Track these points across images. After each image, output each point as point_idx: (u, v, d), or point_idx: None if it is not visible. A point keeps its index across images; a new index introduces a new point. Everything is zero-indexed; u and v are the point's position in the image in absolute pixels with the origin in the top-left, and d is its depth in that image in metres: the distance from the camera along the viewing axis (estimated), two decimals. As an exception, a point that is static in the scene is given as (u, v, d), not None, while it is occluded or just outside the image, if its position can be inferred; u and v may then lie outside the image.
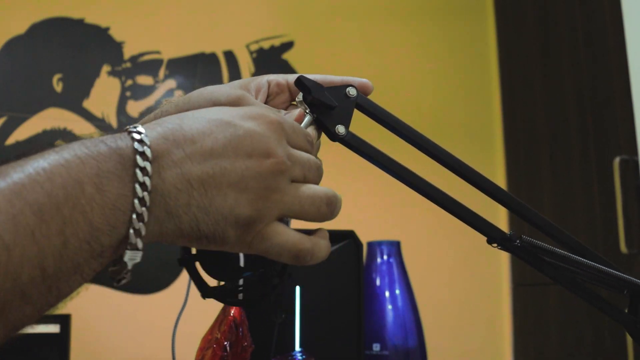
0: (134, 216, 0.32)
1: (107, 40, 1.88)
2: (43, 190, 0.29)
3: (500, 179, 2.02)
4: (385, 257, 0.96)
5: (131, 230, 0.32)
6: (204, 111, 0.38)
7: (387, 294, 0.94)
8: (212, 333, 0.79)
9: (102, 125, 1.78)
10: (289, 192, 0.37)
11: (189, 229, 0.34)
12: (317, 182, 0.39)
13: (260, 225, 0.36)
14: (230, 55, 1.93)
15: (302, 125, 0.44)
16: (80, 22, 1.82)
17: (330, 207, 0.39)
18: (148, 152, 0.33)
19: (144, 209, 0.32)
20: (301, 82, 0.45)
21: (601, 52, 1.62)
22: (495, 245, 0.50)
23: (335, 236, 0.90)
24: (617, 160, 1.44)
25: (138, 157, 0.32)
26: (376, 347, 0.92)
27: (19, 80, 1.76)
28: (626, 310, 0.54)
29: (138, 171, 0.32)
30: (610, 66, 1.56)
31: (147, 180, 0.32)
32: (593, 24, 1.67)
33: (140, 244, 0.32)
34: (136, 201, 0.32)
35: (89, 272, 0.31)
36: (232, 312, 0.78)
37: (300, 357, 0.81)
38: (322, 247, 0.39)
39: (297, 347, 0.85)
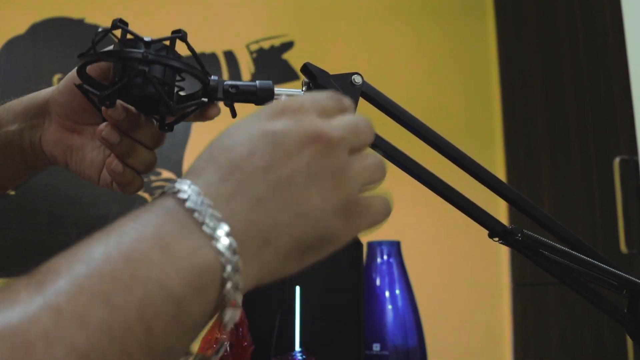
0: (228, 267, 0.28)
1: (108, 40, 1.88)
2: (106, 272, 0.25)
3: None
4: (385, 257, 0.96)
5: (228, 285, 0.28)
6: (233, 131, 0.34)
7: (387, 294, 0.94)
8: (212, 333, 0.79)
9: (102, 125, 1.79)
10: (355, 164, 0.34)
11: (292, 245, 0.31)
12: (370, 139, 0.36)
13: (354, 205, 0.34)
14: (230, 56, 1.94)
15: None
16: (80, 22, 1.82)
17: (384, 169, 0.37)
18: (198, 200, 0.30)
19: (235, 256, 0.28)
20: (307, 69, 0.46)
21: (601, 52, 1.62)
22: (496, 239, 0.50)
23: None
24: (617, 160, 1.44)
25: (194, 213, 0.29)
26: (376, 347, 0.92)
27: (19, 80, 1.76)
28: (625, 310, 0.54)
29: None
30: (610, 66, 1.56)
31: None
32: (593, 24, 1.67)
33: (240, 298, 0.29)
34: (221, 247, 0.28)
35: (182, 346, 0.27)
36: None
37: (300, 357, 0.81)
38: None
39: (297, 347, 0.85)
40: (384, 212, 0.36)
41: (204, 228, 0.28)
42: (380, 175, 0.36)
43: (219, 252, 0.28)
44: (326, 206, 0.32)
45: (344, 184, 0.33)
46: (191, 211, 0.29)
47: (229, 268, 0.28)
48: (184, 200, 0.29)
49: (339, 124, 0.34)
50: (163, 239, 0.27)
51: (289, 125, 0.33)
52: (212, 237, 0.28)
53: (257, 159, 0.31)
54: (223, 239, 0.28)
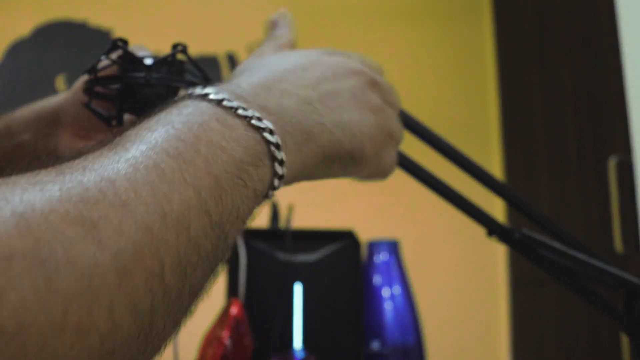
0: (272, 148, 0.30)
1: (110, 42, 1.89)
2: (172, 136, 0.27)
3: (498, 180, 2.02)
4: (384, 256, 0.97)
5: (276, 164, 0.30)
6: (278, 55, 0.40)
7: (386, 292, 0.95)
8: (214, 331, 0.80)
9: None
10: (389, 111, 0.39)
11: (330, 148, 0.34)
12: (397, 106, 0.41)
13: (384, 140, 0.37)
14: (231, 56, 1.94)
15: None
16: (83, 25, 1.83)
17: (403, 134, 0.42)
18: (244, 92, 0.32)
19: (277, 137, 0.30)
20: None
21: (598, 54, 1.63)
22: (494, 237, 0.50)
23: (335, 235, 0.91)
24: (613, 161, 1.46)
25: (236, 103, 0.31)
26: (375, 345, 0.93)
27: (23, 82, 1.77)
28: (621, 308, 0.55)
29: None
30: (606, 67, 1.57)
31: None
32: (589, 26, 1.68)
33: (284, 172, 0.31)
34: (266, 133, 0.30)
35: (247, 213, 0.30)
36: (234, 310, 0.79)
37: (299, 356, 0.82)
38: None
39: (297, 345, 0.85)
40: (392, 163, 0.40)
41: (239, 112, 0.30)
42: (400, 137, 0.41)
43: (263, 130, 0.30)
44: (363, 126, 0.36)
45: (382, 116, 0.37)
46: (224, 106, 0.30)
47: (273, 145, 0.30)
48: (216, 100, 0.30)
49: (379, 76, 0.40)
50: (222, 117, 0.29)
51: (340, 60, 0.39)
52: (251, 118, 0.30)
53: (309, 74, 0.36)
54: (265, 123, 0.30)
